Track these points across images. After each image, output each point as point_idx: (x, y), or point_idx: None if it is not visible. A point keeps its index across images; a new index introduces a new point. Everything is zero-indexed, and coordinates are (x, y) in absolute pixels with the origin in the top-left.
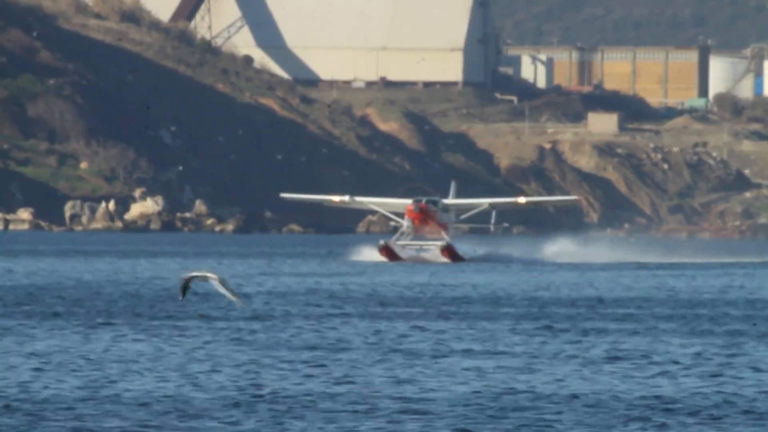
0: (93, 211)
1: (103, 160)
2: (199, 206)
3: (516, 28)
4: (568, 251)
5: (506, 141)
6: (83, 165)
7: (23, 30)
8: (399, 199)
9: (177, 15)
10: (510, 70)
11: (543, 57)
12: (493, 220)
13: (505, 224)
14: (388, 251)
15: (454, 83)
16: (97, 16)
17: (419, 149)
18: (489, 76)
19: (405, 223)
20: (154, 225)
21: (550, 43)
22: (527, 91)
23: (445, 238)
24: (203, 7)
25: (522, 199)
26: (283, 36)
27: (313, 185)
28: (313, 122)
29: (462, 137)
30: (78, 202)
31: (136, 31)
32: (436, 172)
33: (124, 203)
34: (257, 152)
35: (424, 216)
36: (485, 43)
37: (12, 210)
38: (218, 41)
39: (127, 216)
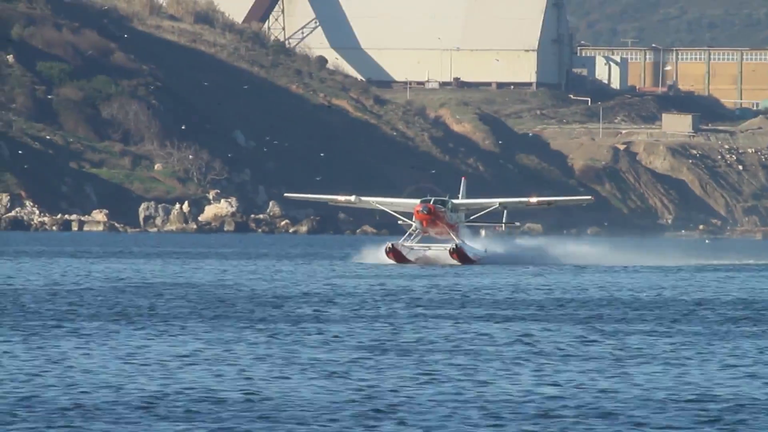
0: (167, 212)
1: (177, 162)
2: (273, 207)
3: (590, 29)
4: (578, 252)
5: (580, 142)
6: (157, 166)
7: (98, 31)
8: (406, 199)
9: (251, 16)
10: (584, 71)
11: (617, 58)
12: (504, 220)
13: (517, 223)
14: (395, 253)
15: (528, 84)
16: (171, 17)
17: (493, 150)
18: (563, 77)
19: (413, 224)
20: (228, 227)
21: (624, 44)
22: (601, 92)
23: (455, 239)
24: (277, 8)
25: (534, 199)
26: (356, 37)
27: (386, 186)
28: (387, 123)
29: (536, 138)
30: (152, 204)
31: (210, 33)
32: (510, 174)
33: (198, 205)
34: (331, 153)
35: (432, 217)
36: (559, 44)
37: (87, 211)
38: (292, 42)
39: (201, 217)
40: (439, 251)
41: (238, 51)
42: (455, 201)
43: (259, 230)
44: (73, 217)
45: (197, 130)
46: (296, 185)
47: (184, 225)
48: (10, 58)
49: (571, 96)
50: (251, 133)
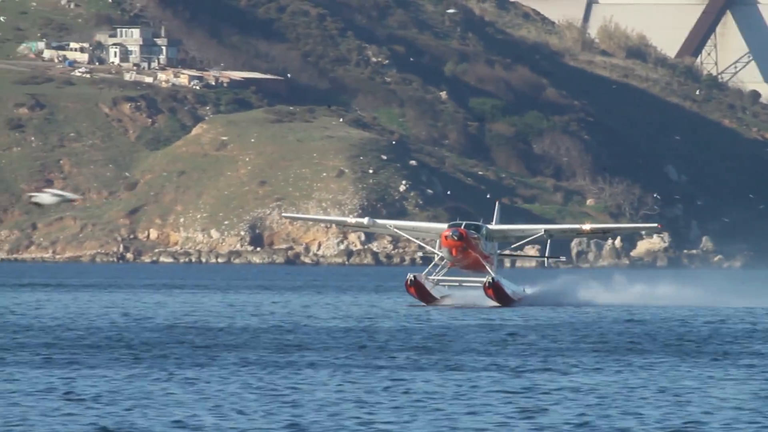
0: (599, 248)
1: (609, 197)
2: (706, 243)
3: None
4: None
5: None
6: (589, 201)
7: (530, 67)
8: (432, 224)
9: (683, 51)
10: None
11: None
12: (547, 252)
13: (562, 258)
14: (417, 288)
15: None
16: (603, 52)
17: None
18: None
19: (440, 253)
20: (660, 262)
21: None
22: None
23: (490, 272)
24: (710, 42)
25: (587, 226)
26: None
27: None
28: None
29: None
30: (583, 239)
31: (642, 68)
32: None
33: (630, 240)
34: (764, 188)
35: (464, 244)
36: None
37: (519, 247)
38: (724, 77)
39: (633, 253)
40: (473, 287)
41: (670, 86)
42: (491, 227)
43: (693, 266)
44: None
45: (630, 165)
46: (730, 220)
47: (616, 260)
48: (443, 94)
49: None
50: (683, 167)
